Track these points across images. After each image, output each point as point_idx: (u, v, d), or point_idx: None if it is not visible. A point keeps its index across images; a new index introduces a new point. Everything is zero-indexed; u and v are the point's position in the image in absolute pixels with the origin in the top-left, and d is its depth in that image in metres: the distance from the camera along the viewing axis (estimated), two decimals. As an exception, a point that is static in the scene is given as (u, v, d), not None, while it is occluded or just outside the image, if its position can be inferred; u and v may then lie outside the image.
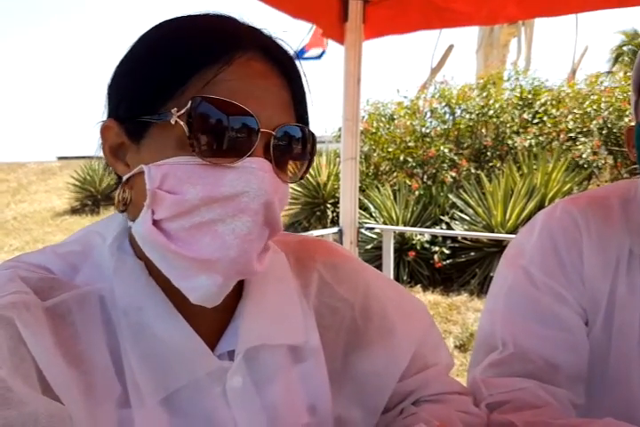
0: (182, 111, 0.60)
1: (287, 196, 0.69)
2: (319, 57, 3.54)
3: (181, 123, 0.60)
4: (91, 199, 12.81)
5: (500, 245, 6.29)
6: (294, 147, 0.67)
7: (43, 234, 10.96)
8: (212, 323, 0.72)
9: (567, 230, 0.99)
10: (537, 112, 8.25)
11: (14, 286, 0.61)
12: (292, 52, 0.70)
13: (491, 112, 8.25)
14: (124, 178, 0.67)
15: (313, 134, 0.71)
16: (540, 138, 7.97)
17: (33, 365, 0.58)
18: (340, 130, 3.76)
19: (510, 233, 6.19)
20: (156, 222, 0.62)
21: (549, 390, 0.93)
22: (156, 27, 0.68)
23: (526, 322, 0.98)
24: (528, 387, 0.93)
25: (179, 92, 0.62)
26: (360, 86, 3.01)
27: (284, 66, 0.68)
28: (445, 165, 8.14)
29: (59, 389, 0.59)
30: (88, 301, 0.66)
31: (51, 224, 11.81)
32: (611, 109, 7.83)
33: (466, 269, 6.69)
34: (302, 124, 0.69)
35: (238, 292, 0.74)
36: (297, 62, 0.70)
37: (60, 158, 20.00)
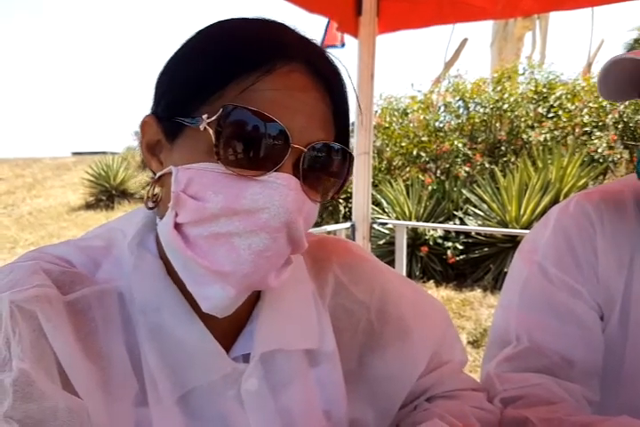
0: (213, 118, 0.59)
1: (314, 215, 0.67)
2: (342, 46, 3.53)
3: (210, 130, 0.59)
4: (105, 194, 12.90)
5: (514, 241, 6.26)
6: (327, 166, 0.65)
7: (58, 229, 11.04)
8: (228, 325, 0.71)
9: (581, 226, 0.98)
10: (552, 106, 8.18)
11: (37, 279, 0.61)
12: (339, 67, 0.68)
13: (505, 106, 8.19)
14: (157, 175, 0.66)
15: (350, 154, 0.68)
16: (555, 132, 7.90)
17: (54, 358, 0.58)
18: (352, 124, 3.75)
19: (525, 228, 6.15)
20: (177, 226, 0.62)
21: (564, 387, 0.93)
22: (208, 27, 0.67)
23: (541, 317, 0.98)
24: (543, 383, 0.93)
25: (215, 96, 0.60)
26: (374, 81, 2.99)
27: (327, 81, 0.65)
28: (459, 159, 8.10)
29: (78, 383, 0.59)
30: (107, 297, 0.66)
31: (66, 219, 11.90)
32: (627, 103, 7.74)
33: (479, 264, 6.67)
34: (340, 141, 0.67)
35: (255, 295, 0.74)
36: (343, 78, 0.68)
37: (75, 154, 20.22)
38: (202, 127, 0.60)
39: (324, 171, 0.65)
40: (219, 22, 0.67)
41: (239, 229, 0.59)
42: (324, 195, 0.67)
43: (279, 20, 0.66)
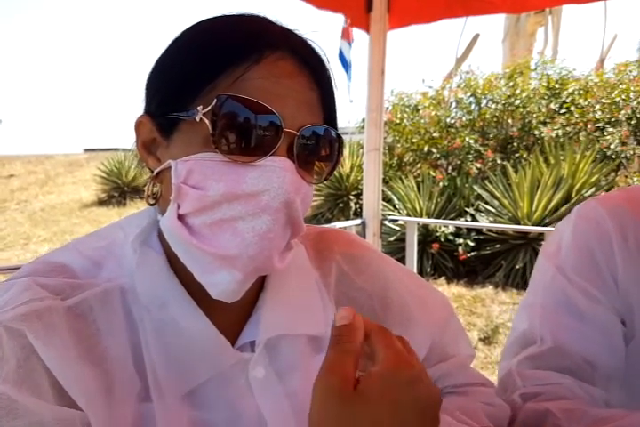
0: (207, 109, 0.61)
1: (310, 196, 0.70)
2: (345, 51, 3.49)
3: (206, 120, 0.61)
4: (117, 191, 12.98)
5: (525, 237, 6.24)
6: (319, 148, 0.68)
7: (70, 225, 11.12)
8: (234, 315, 0.73)
9: (598, 232, 0.96)
10: (564, 102, 8.13)
11: (28, 295, 0.62)
12: (322, 54, 0.71)
13: (517, 102, 8.16)
14: (154, 172, 0.68)
15: (339, 136, 0.71)
16: (568, 128, 7.86)
17: (44, 373, 0.59)
18: (363, 121, 3.74)
19: (537, 225, 6.14)
20: (180, 217, 0.63)
21: (585, 389, 0.92)
22: (192, 25, 0.70)
23: (565, 319, 0.97)
24: (564, 383, 0.92)
25: (207, 89, 0.63)
26: (384, 77, 2.99)
27: (312, 67, 0.68)
28: (470, 155, 8.07)
29: (74, 392, 0.60)
30: (110, 297, 0.67)
31: (78, 215, 11.99)
32: (640, 99, 7.68)
33: (491, 261, 6.65)
34: (330, 125, 0.69)
35: (260, 284, 0.75)
36: (327, 64, 0.71)
37: (87, 150, 20.33)
38: (197, 118, 0.62)
39: (317, 153, 0.68)
40: (202, 21, 0.70)
41: (242, 212, 0.61)
42: (317, 177, 0.70)
43: (260, 14, 0.69)
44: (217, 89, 0.62)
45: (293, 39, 0.68)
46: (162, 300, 0.67)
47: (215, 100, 0.61)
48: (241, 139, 0.62)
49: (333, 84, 0.72)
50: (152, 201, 0.69)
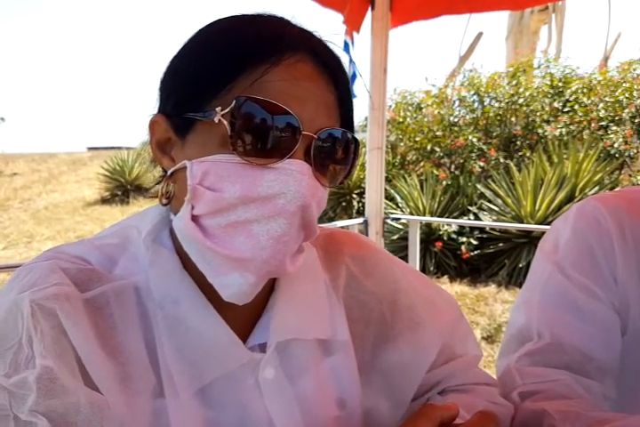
0: (226, 110, 0.61)
1: (325, 199, 0.69)
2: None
3: (224, 122, 0.61)
4: (120, 189, 13.00)
5: (529, 236, 6.22)
6: (336, 151, 0.67)
7: (74, 223, 11.14)
8: (245, 316, 0.73)
9: (598, 230, 0.98)
10: (568, 100, 8.11)
11: (56, 278, 0.63)
12: (340, 56, 0.70)
13: (520, 100, 8.14)
14: (169, 172, 0.68)
15: (356, 139, 0.70)
16: (571, 127, 7.84)
17: (74, 355, 0.60)
18: (366, 119, 3.73)
19: (540, 224, 6.12)
20: (194, 218, 0.63)
21: (583, 384, 0.92)
22: (209, 24, 0.69)
23: (563, 314, 0.97)
24: (563, 379, 0.93)
25: (225, 90, 0.62)
26: (387, 75, 2.98)
27: (331, 69, 0.68)
28: (474, 154, 8.07)
29: (97, 379, 0.61)
30: (125, 293, 0.67)
31: (81, 214, 12.00)
32: (644, 97, 7.66)
33: (494, 260, 6.64)
34: (347, 128, 0.69)
35: (270, 285, 0.75)
36: (345, 66, 0.71)
37: (90, 149, 20.42)
38: (216, 120, 0.61)
39: (333, 156, 0.67)
40: (219, 20, 0.69)
41: (257, 215, 0.61)
42: (333, 180, 0.69)
43: (278, 14, 0.69)
44: (235, 90, 0.62)
45: (313, 41, 0.68)
46: (174, 297, 0.67)
47: (234, 102, 0.61)
48: (259, 141, 0.61)
49: (350, 86, 0.71)
50: (165, 201, 0.69)
